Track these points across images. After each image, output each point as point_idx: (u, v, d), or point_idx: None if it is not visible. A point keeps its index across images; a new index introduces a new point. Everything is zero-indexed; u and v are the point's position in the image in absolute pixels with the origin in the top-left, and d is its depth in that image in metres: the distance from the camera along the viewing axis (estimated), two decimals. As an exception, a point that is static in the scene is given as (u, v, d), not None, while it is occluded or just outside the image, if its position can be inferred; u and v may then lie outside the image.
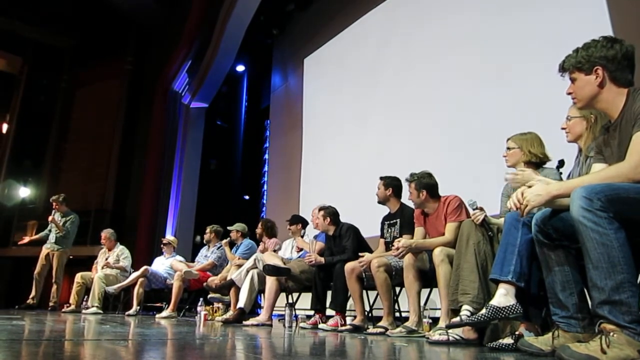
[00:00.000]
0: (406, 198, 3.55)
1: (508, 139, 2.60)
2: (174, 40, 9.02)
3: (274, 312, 3.97)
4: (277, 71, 9.14)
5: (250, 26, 8.36)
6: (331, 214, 3.95)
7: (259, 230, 4.89)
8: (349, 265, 3.36)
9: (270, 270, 3.80)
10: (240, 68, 10.24)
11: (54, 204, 6.39)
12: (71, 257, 6.68)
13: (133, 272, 5.76)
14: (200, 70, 8.97)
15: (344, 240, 3.81)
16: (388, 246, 3.48)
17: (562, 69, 1.71)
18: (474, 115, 4.84)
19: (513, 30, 4.67)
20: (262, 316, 3.78)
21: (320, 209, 4.02)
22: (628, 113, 1.57)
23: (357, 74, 6.77)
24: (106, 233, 6.22)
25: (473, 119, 4.83)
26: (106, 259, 6.09)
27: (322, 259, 3.79)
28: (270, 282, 3.85)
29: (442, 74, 5.36)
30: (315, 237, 4.24)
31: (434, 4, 5.76)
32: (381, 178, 3.59)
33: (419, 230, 3.12)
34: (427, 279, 2.93)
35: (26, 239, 6.63)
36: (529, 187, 1.65)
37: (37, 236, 6.59)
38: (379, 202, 3.60)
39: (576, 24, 4.03)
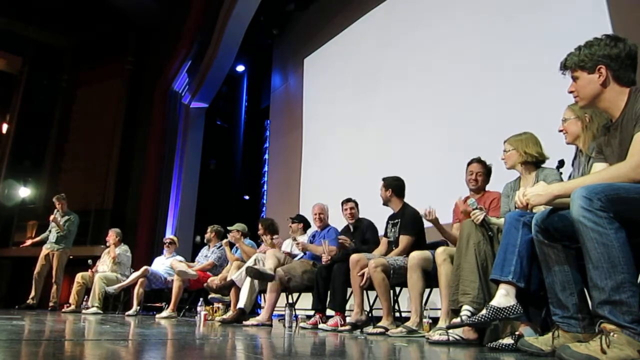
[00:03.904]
0: (408, 197, 3.56)
1: (505, 141, 2.60)
2: (174, 40, 9.02)
3: (274, 312, 3.97)
4: (277, 71, 9.14)
5: (250, 26, 8.36)
6: (357, 206, 4.08)
7: (260, 232, 4.88)
8: (354, 257, 3.36)
9: (253, 273, 3.82)
10: (240, 68, 10.24)
11: (57, 202, 6.37)
12: (71, 257, 6.67)
13: (133, 272, 5.76)
14: (200, 70, 8.97)
15: (366, 234, 3.89)
16: (391, 246, 3.49)
17: (564, 67, 1.70)
18: (474, 115, 4.84)
19: (513, 31, 4.67)
20: (262, 316, 3.77)
21: (350, 201, 4.08)
22: (629, 113, 1.56)
23: (357, 74, 6.77)
24: (113, 232, 6.22)
25: (473, 119, 4.83)
26: (93, 262, 6.11)
27: (332, 249, 3.85)
28: (273, 281, 3.83)
29: (442, 74, 5.36)
30: (322, 237, 4.23)
31: (434, 4, 5.76)
32: (382, 179, 3.59)
33: (457, 227, 3.09)
34: (428, 278, 2.93)
35: (28, 242, 6.61)
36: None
37: (38, 238, 6.58)
38: (384, 204, 3.60)
39: (576, 24, 4.03)
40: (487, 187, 3.05)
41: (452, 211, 3.16)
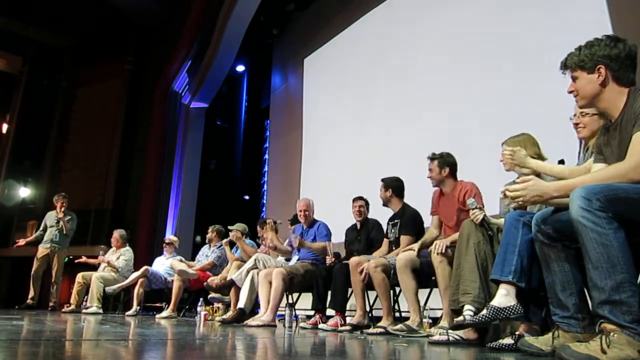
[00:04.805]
0: (408, 197, 3.56)
1: (503, 144, 2.60)
2: (174, 41, 9.02)
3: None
4: (277, 71, 9.14)
5: (250, 26, 8.36)
6: (368, 205, 4.00)
7: (261, 234, 4.87)
8: (353, 260, 3.36)
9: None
10: (240, 68, 10.24)
11: (62, 201, 6.32)
12: (71, 257, 6.65)
13: (133, 272, 5.76)
14: (200, 70, 8.97)
15: (371, 233, 3.87)
16: (391, 246, 3.50)
17: (564, 66, 1.71)
18: (474, 115, 4.84)
19: (513, 31, 4.67)
20: (267, 316, 3.70)
21: (361, 199, 4.00)
22: (628, 113, 1.56)
23: (357, 74, 6.76)
24: (117, 233, 6.19)
25: (473, 119, 4.83)
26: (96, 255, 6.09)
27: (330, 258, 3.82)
28: (277, 281, 3.77)
29: (442, 74, 5.36)
30: (312, 235, 4.22)
31: (434, 4, 5.75)
32: (382, 180, 3.59)
33: (434, 219, 3.12)
34: (419, 277, 2.92)
35: (22, 242, 6.55)
36: (524, 173, 1.87)
37: (32, 237, 6.52)
38: (384, 205, 3.60)
39: (576, 24, 4.03)
40: (481, 187, 3.05)
41: (431, 200, 3.18)
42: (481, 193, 2.88)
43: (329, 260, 3.82)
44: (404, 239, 3.34)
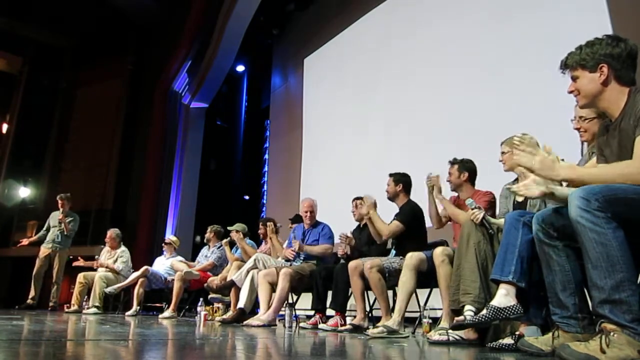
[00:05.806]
0: (412, 194, 3.57)
1: (502, 143, 2.60)
2: (174, 40, 9.03)
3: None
4: (277, 71, 9.14)
5: (250, 26, 8.36)
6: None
7: (262, 231, 4.87)
8: (352, 263, 3.35)
9: None
10: (240, 68, 10.24)
11: (63, 201, 6.31)
12: (71, 257, 6.66)
13: (133, 272, 5.75)
14: (200, 70, 8.97)
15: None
16: (392, 245, 3.49)
17: (565, 65, 1.70)
18: (474, 116, 4.83)
19: (513, 31, 4.67)
20: (268, 316, 3.65)
21: (358, 199, 3.97)
22: (629, 112, 1.56)
23: (357, 74, 6.77)
24: (112, 232, 6.17)
25: (472, 120, 4.83)
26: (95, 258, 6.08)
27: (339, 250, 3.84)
28: (284, 282, 3.74)
29: (442, 74, 5.36)
30: (316, 235, 4.22)
31: (434, 4, 5.76)
32: (390, 175, 3.60)
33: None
34: (421, 278, 2.92)
35: (25, 242, 6.56)
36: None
37: (35, 237, 6.53)
38: (389, 199, 3.60)
39: (576, 24, 4.03)
40: (481, 187, 3.05)
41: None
42: (496, 200, 2.87)
43: (340, 251, 3.82)
44: (394, 222, 3.35)
